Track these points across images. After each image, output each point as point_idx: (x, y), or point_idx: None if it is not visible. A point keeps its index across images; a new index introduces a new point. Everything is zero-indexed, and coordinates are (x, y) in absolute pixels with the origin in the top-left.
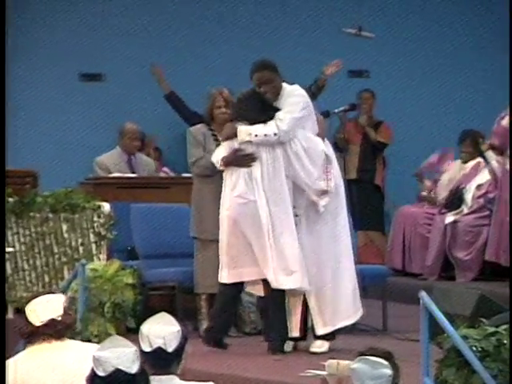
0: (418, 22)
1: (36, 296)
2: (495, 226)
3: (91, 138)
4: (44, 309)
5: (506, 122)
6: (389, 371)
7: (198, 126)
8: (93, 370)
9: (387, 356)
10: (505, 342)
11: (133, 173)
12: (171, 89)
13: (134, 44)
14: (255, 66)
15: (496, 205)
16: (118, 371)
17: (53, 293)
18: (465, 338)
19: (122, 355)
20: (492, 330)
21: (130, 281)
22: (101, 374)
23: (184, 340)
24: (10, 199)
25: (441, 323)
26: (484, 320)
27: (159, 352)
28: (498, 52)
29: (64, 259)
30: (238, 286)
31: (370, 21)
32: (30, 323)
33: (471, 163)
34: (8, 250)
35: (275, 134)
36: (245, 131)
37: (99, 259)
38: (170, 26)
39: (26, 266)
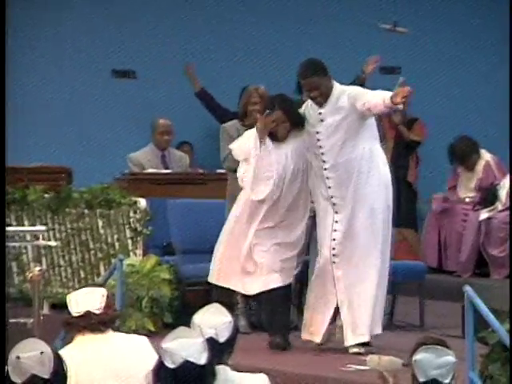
0: (450, 18)
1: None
2: None
3: (124, 135)
4: (82, 300)
5: None
6: (453, 358)
7: (232, 122)
8: (160, 361)
9: (446, 344)
10: None
11: (166, 168)
12: (202, 86)
13: (165, 41)
14: (303, 71)
15: None
16: (187, 363)
17: (101, 286)
18: (510, 332)
19: (190, 346)
20: None
21: (167, 276)
22: (170, 365)
23: (235, 331)
24: (46, 195)
25: (486, 317)
26: None
27: (211, 342)
28: None
29: (100, 255)
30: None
31: (403, 17)
32: (69, 313)
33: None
34: (50, 243)
35: None
36: None
37: (135, 255)
38: (201, 23)
39: (61, 262)
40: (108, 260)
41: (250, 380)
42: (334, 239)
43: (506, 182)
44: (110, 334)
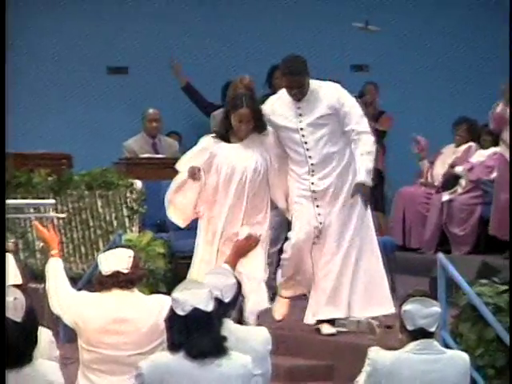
0: (417, 19)
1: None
2: (497, 206)
3: (118, 124)
4: (111, 261)
5: (499, 108)
6: (438, 309)
7: (220, 110)
8: (172, 310)
9: (431, 296)
10: None
11: (157, 154)
12: (187, 81)
13: (154, 40)
14: (292, 69)
15: (495, 186)
16: (196, 310)
17: (129, 247)
18: (479, 295)
19: (198, 295)
20: (504, 288)
21: (161, 250)
22: (180, 313)
23: (238, 291)
24: (49, 178)
25: (458, 281)
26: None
27: (217, 302)
28: (492, 47)
29: (99, 232)
30: None
31: (374, 16)
32: (100, 272)
33: (463, 147)
34: (59, 215)
35: None
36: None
37: (132, 232)
38: (189, 22)
39: (64, 239)
40: (107, 237)
41: (251, 332)
42: (317, 226)
43: (464, 168)
44: (137, 293)
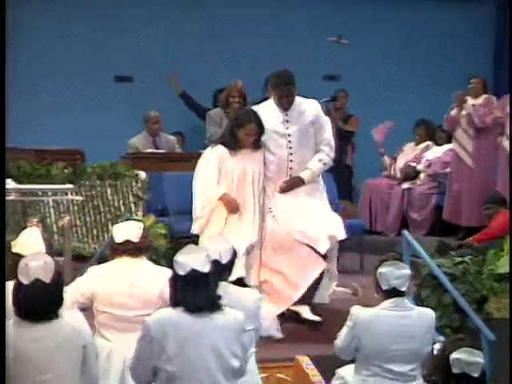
0: (381, 33)
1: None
2: (450, 196)
3: (124, 125)
4: (123, 231)
5: (453, 111)
6: (409, 271)
7: (216, 109)
8: (174, 271)
9: (402, 261)
10: (469, 268)
11: (157, 149)
12: (183, 89)
13: (155, 51)
14: (284, 80)
15: (449, 178)
16: (194, 271)
17: (139, 221)
18: (438, 266)
19: (197, 258)
20: (459, 259)
21: (163, 232)
22: (181, 273)
23: (234, 255)
24: (66, 170)
25: (421, 254)
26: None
27: (215, 263)
28: (447, 58)
29: (109, 216)
30: None
31: (345, 31)
32: (113, 240)
33: (422, 145)
34: (77, 197)
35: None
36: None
37: (137, 216)
38: (184, 37)
39: (78, 223)
40: (115, 220)
41: (244, 293)
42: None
43: (422, 163)
44: (145, 261)
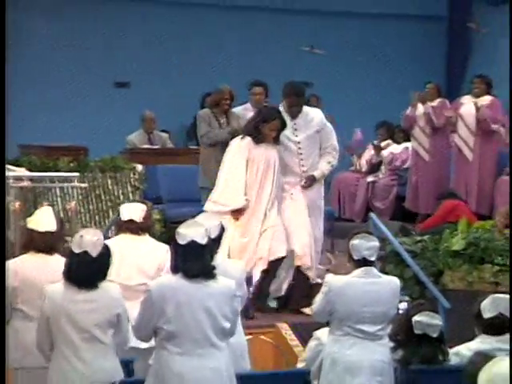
0: (349, 44)
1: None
2: (410, 187)
3: (123, 124)
4: (128, 211)
5: (409, 111)
6: (377, 243)
7: (205, 110)
8: (175, 241)
9: (372, 234)
10: (428, 246)
11: (152, 145)
12: None
13: (150, 61)
14: (291, 91)
15: (409, 173)
16: (193, 242)
17: (144, 203)
18: (401, 243)
19: (196, 231)
20: (419, 238)
21: (158, 217)
22: (182, 242)
23: (222, 230)
24: (71, 164)
25: (385, 234)
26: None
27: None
28: (406, 64)
29: (109, 204)
30: None
31: (319, 42)
32: (120, 218)
33: (383, 143)
34: (82, 185)
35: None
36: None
37: None
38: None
39: (82, 210)
40: (115, 208)
41: (230, 264)
42: None
43: (384, 159)
44: (147, 238)
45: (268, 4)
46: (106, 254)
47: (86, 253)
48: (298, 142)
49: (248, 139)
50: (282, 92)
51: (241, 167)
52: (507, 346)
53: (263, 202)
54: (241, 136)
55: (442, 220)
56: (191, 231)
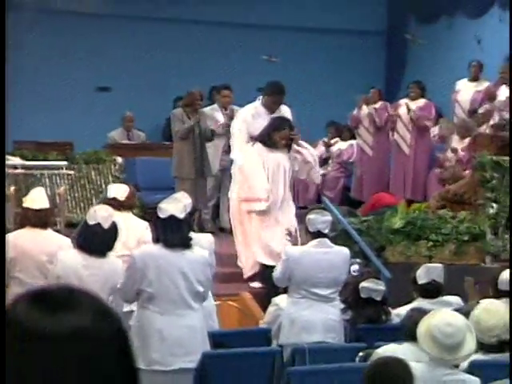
0: (299, 51)
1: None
2: (355, 179)
3: (105, 123)
4: (113, 190)
5: (355, 112)
6: (330, 218)
7: (178, 109)
8: (156, 215)
9: (325, 209)
10: (372, 225)
11: (130, 141)
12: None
13: (129, 67)
14: (277, 89)
15: (355, 166)
16: (172, 216)
17: (127, 185)
18: (349, 223)
19: (175, 207)
20: (364, 218)
21: (137, 203)
22: (162, 216)
23: (193, 209)
24: (59, 157)
25: (336, 214)
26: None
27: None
28: (350, 68)
29: (93, 192)
30: None
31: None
32: (106, 196)
33: (332, 141)
34: (70, 172)
35: None
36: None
37: None
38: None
39: (68, 197)
40: (98, 195)
41: (201, 237)
42: None
43: (332, 154)
44: (129, 215)
45: (230, 19)
46: (114, 227)
47: (98, 224)
48: None
49: (259, 145)
50: (264, 89)
51: (259, 165)
52: (441, 307)
53: (277, 202)
54: (251, 143)
55: (372, 207)
56: (171, 207)
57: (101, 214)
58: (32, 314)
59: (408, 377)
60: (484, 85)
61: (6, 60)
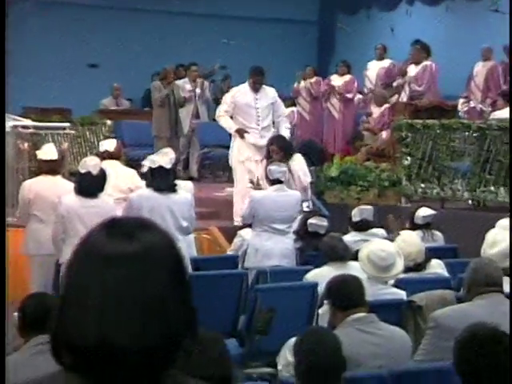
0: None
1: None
2: (295, 139)
3: (96, 93)
4: (104, 144)
5: (295, 85)
6: (286, 168)
7: (157, 82)
8: (148, 165)
9: (282, 161)
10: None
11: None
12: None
13: (117, 44)
14: (257, 71)
15: (295, 129)
16: (160, 166)
17: (116, 140)
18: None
19: (163, 158)
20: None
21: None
22: (153, 166)
23: (175, 164)
24: (61, 121)
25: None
26: None
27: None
28: (288, 53)
29: (87, 148)
30: None
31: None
32: (99, 150)
33: None
34: (71, 131)
35: None
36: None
37: None
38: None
39: (68, 153)
40: (92, 150)
41: (183, 184)
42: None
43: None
44: (118, 163)
45: (191, 10)
46: (103, 173)
47: (89, 172)
48: (258, 109)
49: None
50: (248, 72)
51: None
52: (370, 238)
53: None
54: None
55: None
56: (160, 159)
57: (90, 164)
58: (111, 242)
59: (362, 290)
60: (387, 63)
61: (6, 51)
